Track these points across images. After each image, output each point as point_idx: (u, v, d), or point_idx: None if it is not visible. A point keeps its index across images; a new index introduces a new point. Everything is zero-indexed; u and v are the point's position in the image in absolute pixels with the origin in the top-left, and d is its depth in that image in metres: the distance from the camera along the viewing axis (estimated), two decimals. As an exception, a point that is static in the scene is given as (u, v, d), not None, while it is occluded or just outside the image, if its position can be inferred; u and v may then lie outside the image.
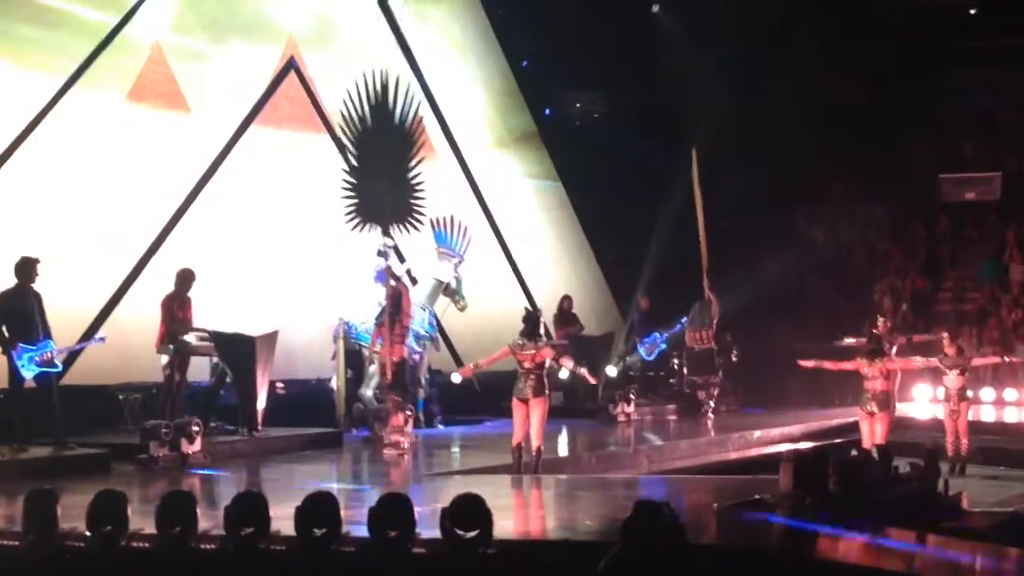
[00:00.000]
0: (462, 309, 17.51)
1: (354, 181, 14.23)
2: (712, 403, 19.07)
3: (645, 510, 6.04)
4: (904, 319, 20.86)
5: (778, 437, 16.86)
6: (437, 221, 17.29)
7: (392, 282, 14.43)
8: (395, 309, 14.29)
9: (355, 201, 14.19)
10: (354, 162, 14.31)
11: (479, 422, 17.36)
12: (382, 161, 14.26)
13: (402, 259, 17.49)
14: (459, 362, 18.96)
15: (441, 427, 17.09)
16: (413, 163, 14.36)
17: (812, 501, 8.48)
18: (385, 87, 14.24)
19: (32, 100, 15.35)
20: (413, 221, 14.35)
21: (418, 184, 14.33)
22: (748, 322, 20.23)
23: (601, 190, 22.21)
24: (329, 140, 17.85)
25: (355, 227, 14.18)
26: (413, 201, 14.30)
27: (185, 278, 14.13)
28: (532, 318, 12.76)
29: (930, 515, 10.32)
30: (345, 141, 14.37)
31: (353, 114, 14.13)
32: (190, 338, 13.96)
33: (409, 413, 14.37)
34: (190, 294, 14.10)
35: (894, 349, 16.67)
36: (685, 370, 19.97)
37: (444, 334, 18.22)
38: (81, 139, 15.71)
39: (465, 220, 17.84)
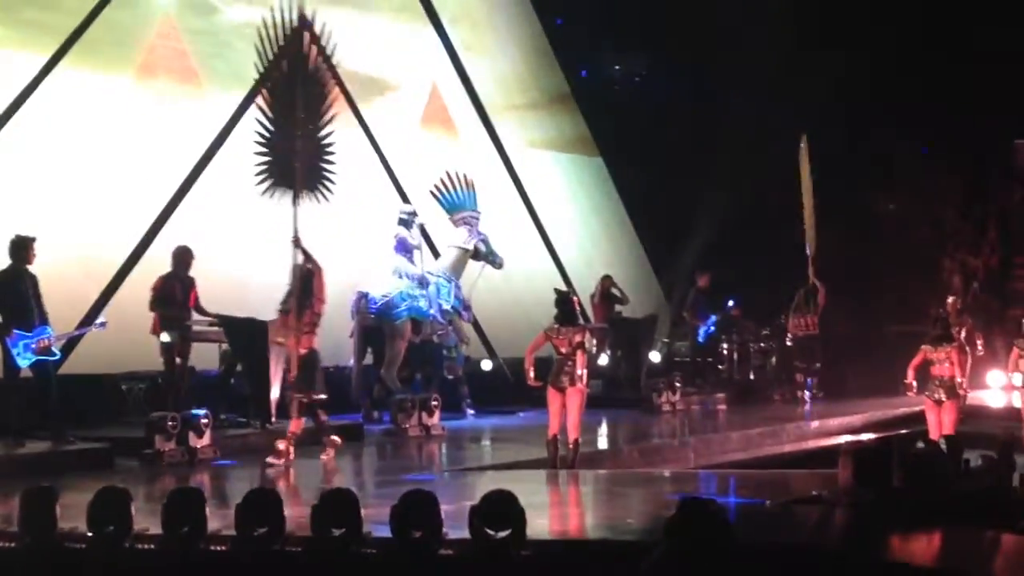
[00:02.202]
0: (499, 266, 17.53)
1: (267, 137, 13.10)
2: (812, 391, 19.37)
3: (690, 508, 6.02)
4: (975, 299, 20.74)
5: (837, 428, 16.84)
6: (441, 185, 17.28)
7: (305, 262, 13.11)
8: (304, 293, 13.01)
9: (267, 161, 13.11)
10: (266, 119, 13.15)
11: (512, 412, 17.37)
12: (297, 117, 13.11)
13: (425, 232, 17.52)
14: (489, 349, 19.02)
15: (472, 415, 17.09)
16: (324, 120, 13.31)
17: (874, 497, 8.43)
18: (299, 27, 13.11)
19: (24, 75, 15.48)
20: (323, 188, 13.31)
21: (328, 145, 13.33)
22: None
23: (644, 160, 22.14)
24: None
25: (265, 191, 13.16)
26: (323, 164, 13.31)
27: (182, 257, 14.16)
28: (565, 300, 12.77)
29: (1005, 513, 10.27)
30: (260, 103, 13.28)
31: (264, 60, 13.10)
32: (196, 323, 14.01)
33: (324, 419, 13.37)
34: (192, 274, 14.14)
35: (963, 332, 16.57)
36: (736, 356, 20.05)
37: (474, 317, 18.20)
38: (81, 115, 15.83)
39: (465, 172, 17.64)
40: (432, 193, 17.41)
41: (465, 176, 17.48)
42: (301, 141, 13.00)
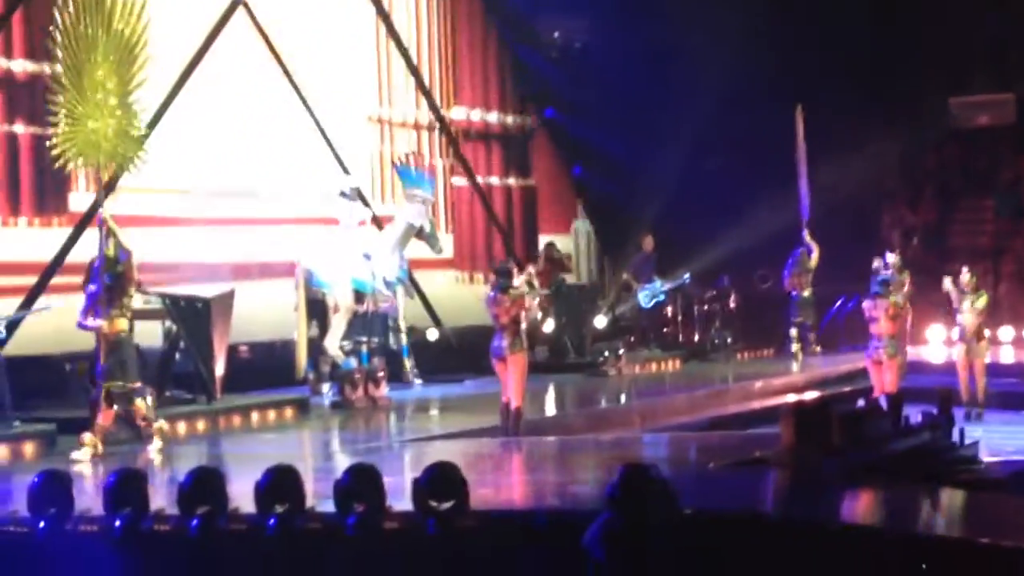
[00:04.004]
0: (439, 252, 17.58)
1: (67, 106, 12.05)
2: (809, 345, 19.94)
3: (631, 474, 6.04)
4: (915, 254, 20.94)
5: (781, 387, 16.94)
6: (402, 159, 17.34)
7: (118, 242, 12.11)
8: (114, 276, 11.99)
9: (67, 130, 12.05)
10: (67, 81, 12.06)
11: (458, 381, 17.37)
12: (101, 81, 12.06)
13: (366, 203, 17.49)
14: (434, 317, 18.99)
15: (419, 385, 17.07)
16: (133, 85, 12.34)
17: (814, 457, 8.50)
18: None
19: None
20: (133, 158, 12.46)
21: (136, 111, 12.43)
22: (750, 266, 20.62)
23: (588, 124, 22.12)
24: (283, 78, 17.79)
25: (63, 162, 12.24)
26: (133, 131, 12.37)
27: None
28: (503, 270, 12.77)
29: (944, 467, 10.40)
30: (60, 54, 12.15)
31: (66, 18, 11.98)
32: (136, 301, 13.88)
33: (142, 409, 12.09)
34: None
35: (904, 288, 16.70)
36: (681, 318, 20.28)
37: (417, 287, 18.18)
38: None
39: (429, 159, 17.81)
40: (394, 164, 17.67)
41: (429, 161, 17.71)
42: (107, 109, 12.02)
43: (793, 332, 19.92)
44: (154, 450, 11.81)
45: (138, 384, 12.03)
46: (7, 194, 15.54)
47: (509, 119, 21.85)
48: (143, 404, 12.00)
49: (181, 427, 13.42)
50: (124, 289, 12.08)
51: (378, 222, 17.91)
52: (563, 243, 21.41)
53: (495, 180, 21.59)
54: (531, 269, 14.85)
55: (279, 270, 16.67)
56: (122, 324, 12.00)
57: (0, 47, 15.55)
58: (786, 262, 20.19)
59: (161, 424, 12.11)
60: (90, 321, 11.99)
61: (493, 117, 21.54)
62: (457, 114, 20.95)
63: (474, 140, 21.33)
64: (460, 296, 19.18)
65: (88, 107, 11.98)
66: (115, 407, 11.94)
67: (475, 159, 21.16)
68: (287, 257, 16.43)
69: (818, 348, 20.11)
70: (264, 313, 16.58)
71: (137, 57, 12.20)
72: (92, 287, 12.09)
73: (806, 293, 19.95)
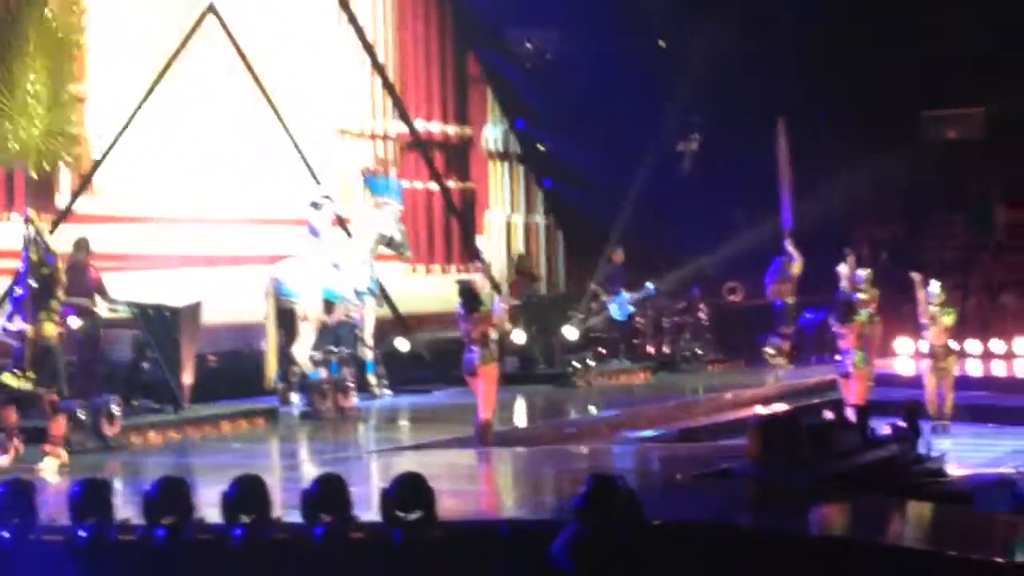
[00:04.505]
0: (408, 259, 17.70)
1: None
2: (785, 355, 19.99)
3: (598, 485, 6.05)
4: (884, 267, 21.02)
5: (751, 398, 16.98)
6: (370, 169, 17.44)
7: (45, 246, 11.78)
8: (46, 277, 11.61)
9: None
10: None
11: (427, 392, 17.35)
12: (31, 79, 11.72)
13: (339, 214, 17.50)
14: (404, 326, 18.95)
15: (388, 395, 17.03)
16: (66, 79, 12.10)
17: (782, 470, 8.52)
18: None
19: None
20: (64, 158, 12.36)
21: (71, 107, 12.31)
22: (721, 277, 21.14)
23: (558, 135, 22.16)
24: (252, 86, 17.77)
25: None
26: (68, 128, 12.24)
27: (83, 245, 13.98)
28: (466, 291, 12.80)
29: (910, 479, 10.45)
30: None
31: None
32: (102, 310, 13.85)
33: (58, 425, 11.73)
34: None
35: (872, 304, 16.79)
36: (651, 330, 20.34)
37: (386, 295, 18.16)
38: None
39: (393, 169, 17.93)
40: (363, 173, 18.01)
41: (395, 173, 18.10)
42: (36, 108, 11.71)
43: (776, 341, 19.98)
44: (48, 468, 11.29)
45: (55, 396, 11.60)
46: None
47: (450, 129, 21.80)
48: (62, 421, 11.61)
49: (149, 437, 13.36)
50: (51, 292, 11.64)
51: (342, 223, 17.86)
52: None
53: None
54: (502, 304, 14.63)
55: (248, 276, 16.66)
56: (50, 329, 11.60)
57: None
58: (766, 272, 20.32)
59: (62, 455, 11.51)
60: (14, 324, 11.54)
61: (435, 127, 21.49)
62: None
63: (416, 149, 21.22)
64: (430, 306, 19.08)
65: (16, 105, 11.57)
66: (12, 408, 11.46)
67: (417, 165, 21.08)
68: (255, 263, 16.47)
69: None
70: (232, 322, 16.56)
71: (71, 51, 11.86)
72: (18, 290, 11.66)
73: (790, 301, 20.09)
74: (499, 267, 20.71)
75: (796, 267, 20.11)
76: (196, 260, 16.77)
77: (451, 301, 13.06)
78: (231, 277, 17.01)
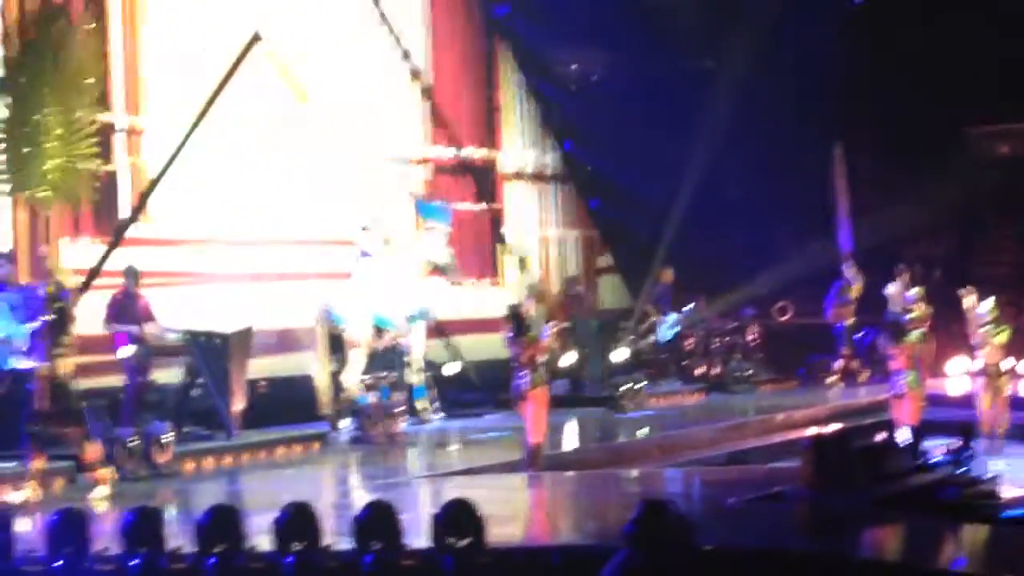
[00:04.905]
0: (459, 284, 17.70)
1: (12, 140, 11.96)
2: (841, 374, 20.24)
3: (649, 511, 6.02)
4: (936, 285, 20.87)
5: (802, 419, 16.89)
6: (418, 193, 17.57)
7: (59, 281, 11.76)
8: (59, 314, 11.55)
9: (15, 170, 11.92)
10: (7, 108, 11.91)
11: (477, 416, 17.37)
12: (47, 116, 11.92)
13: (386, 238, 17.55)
14: (454, 352, 18.96)
15: (439, 419, 17.04)
16: (83, 115, 12.28)
17: (834, 493, 8.47)
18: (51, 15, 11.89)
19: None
20: (83, 192, 12.45)
21: (86, 141, 12.37)
22: (773, 298, 21.21)
23: (606, 155, 22.18)
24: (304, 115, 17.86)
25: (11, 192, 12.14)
26: (79, 158, 12.33)
27: (133, 273, 14.20)
28: (515, 316, 12.83)
29: (964, 501, 10.35)
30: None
31: (11, 50, 11.85)
32: (154, 336, 13.97)
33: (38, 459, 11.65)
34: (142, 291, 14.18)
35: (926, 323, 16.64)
36: (701, 350, 20.29)
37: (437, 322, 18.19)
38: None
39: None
40: (412, 196, 18.18)
41: (444, 197, 18.12)
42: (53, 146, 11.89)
43: (840, 363, 20.17)
44: (99, 495, 11.44)
45: (83, 429, 11.60)
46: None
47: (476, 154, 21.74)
48: (94, 447, 11.66)
49: (200, 463, 13.45)
50: (64, 328, 11.57)
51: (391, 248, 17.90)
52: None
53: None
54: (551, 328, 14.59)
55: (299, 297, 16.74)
56: (63, 366, 11.51)
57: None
58: (827, 294, 20.45)
59: (106, 474, 11.67)
60: (30, 362, 11.47)
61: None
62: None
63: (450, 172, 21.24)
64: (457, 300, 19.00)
65: (32, 143, 11.72)
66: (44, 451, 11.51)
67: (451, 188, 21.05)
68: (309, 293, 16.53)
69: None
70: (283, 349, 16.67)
71: (85, 87, 11.97)
72: (36, 323, 11.54)
73: (849, 323, 20.22)
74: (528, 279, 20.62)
75: (855, 289, 20.27)
76: (243, 278, 16.91)
77: (488, 310, 13.05)
78: (283, 297, 17.07)
